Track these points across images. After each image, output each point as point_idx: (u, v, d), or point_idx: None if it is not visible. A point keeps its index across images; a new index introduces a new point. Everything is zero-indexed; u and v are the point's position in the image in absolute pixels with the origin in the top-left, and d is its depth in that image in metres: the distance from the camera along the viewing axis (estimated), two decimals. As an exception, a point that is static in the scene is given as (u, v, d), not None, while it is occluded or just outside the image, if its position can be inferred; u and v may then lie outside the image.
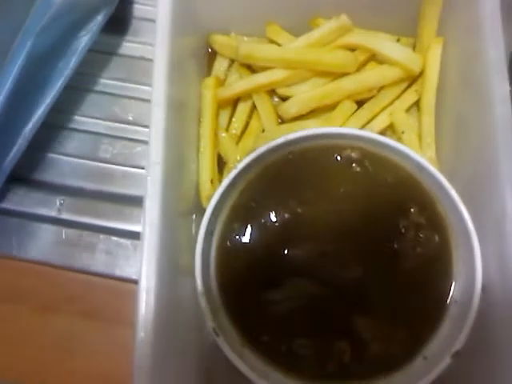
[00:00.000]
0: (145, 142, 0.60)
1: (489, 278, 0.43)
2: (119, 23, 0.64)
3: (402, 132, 0.52)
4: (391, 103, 0.54)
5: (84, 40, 0.56)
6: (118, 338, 0.54)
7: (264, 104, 0.54)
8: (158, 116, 0.43)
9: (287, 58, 0.52)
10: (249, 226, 0.45)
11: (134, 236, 0.56)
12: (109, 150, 0.60)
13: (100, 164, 0.60)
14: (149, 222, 0.41)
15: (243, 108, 0.56)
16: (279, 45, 0.55)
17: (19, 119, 0.53)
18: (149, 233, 0.41)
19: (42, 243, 0.57)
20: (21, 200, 0.58)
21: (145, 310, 0.39)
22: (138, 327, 0.38)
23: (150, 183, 0.42)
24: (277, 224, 0.45)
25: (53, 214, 0.58)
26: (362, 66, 0.55)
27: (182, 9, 0.49)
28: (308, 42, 0.53)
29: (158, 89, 0.44)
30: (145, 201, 0.42)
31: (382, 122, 0.53)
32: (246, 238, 0.45)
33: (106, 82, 0.63)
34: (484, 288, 0.42)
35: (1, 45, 0.49)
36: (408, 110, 0.55)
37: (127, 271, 0.56)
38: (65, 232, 0.57)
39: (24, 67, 0.49)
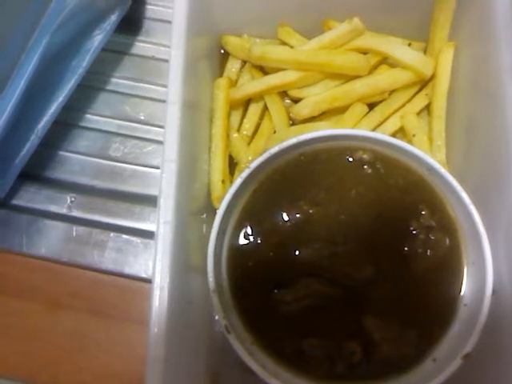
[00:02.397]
0: (156, 141, 0.61)
1: (500, 282, 0.43)
2: (132, 23, 0.65)
3: (413, 135, 0.52)
4: (402, 106, 0.54)
5: (98, 39, 0.57)
6: (125, 336, 0.55)
7: (276, 105, 0.55)
8: (173, 115, 0.44)
9: (299, 59, 0.52)
10: (260, 226, 0.45)
11: (145, 234, 0.57)
12: (120, 149, 0.61)
13: (111, 162, 0.60)
14: (163, 219, 0.41)
15: (255, 109, 0.56)
16: (291, 47, 0.56)
17: (32, 116, 0.54)
18: (163, 231, 0.41)
19: (53, 240, 0.57)
20: (32, 197, 0.58)
21: (158, 307, 0.39)
22: (152, 323, 0.38)
23: (165, 181, 0.42)
24: (288, 224, 0.45)
25: (63, 211, 0.58)
26: (373, 69, 0.55)
27: (197, 11, 0.50)
28: (320, 45, 0.53)
29: (173, 88, 0.45)
30: (159, 198, 0.42)
31: (393, 124, 0.54)
32: (257, 238, 0.45)
33: (117, 81, 0.63)
34: (494, 292, 0.42)
35: (17, 42, 0.49)
36: (419, 114, 0.55)
37: (136, 269, 0.56)
38: (75, 229, 0.57)
39: (39, 65, 0.49)
